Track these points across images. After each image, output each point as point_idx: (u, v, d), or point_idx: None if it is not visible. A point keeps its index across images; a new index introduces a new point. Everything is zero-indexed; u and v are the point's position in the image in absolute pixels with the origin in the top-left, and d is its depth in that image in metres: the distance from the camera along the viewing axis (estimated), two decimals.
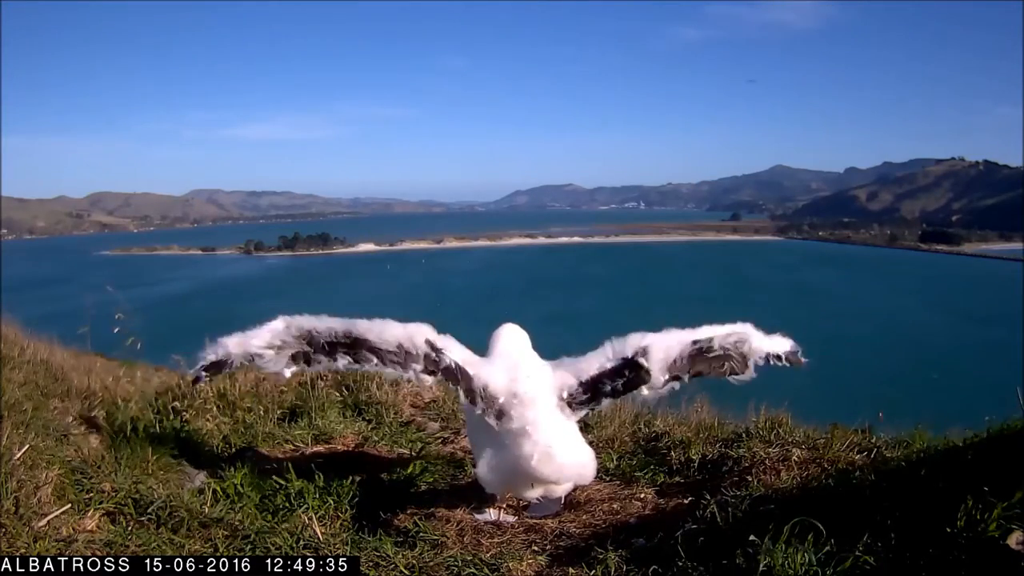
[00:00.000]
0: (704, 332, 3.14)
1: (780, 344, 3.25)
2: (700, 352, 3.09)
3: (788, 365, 3.25)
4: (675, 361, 3.05)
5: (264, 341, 2.94)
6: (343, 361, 2.93)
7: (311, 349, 2.94)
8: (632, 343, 3.08)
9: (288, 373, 2.97)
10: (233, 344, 2.96)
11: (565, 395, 3.07)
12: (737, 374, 3.14)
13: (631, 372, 3.04)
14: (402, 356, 2.94)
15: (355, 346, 2.93)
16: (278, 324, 2.97)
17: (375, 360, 2.93)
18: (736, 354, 3.12)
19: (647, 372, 3.01)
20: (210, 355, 2.98)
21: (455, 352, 3.03)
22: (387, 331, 2.96)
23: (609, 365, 3.07)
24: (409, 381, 3.13)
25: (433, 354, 2.97)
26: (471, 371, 3.02)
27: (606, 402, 3.12)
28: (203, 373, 3.01)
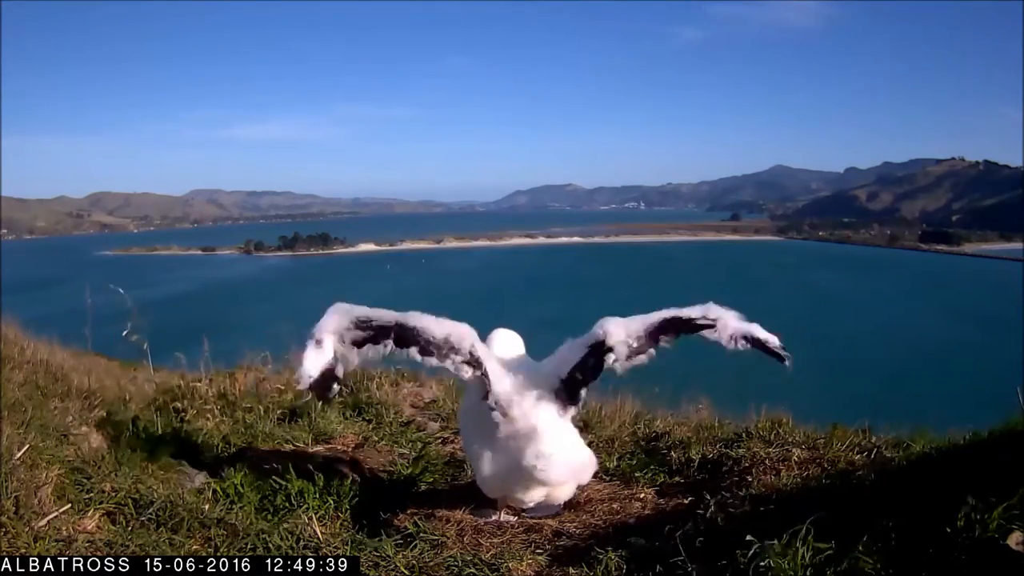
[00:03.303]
0: (668, 312, 3.14)
1: (759, 330, 3.12)
2: (668, 323, 3.10)
3: (771, 357, 3.10)
4: (639, 332, 3.05)
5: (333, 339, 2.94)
6: (389, 347, 2.95)
7: (368, 334, 2.95)
8: (594, 329, 3.10)
9: (356, 360, 2.96)
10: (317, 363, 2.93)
11: (555, 394, 3.08)
12: (711, 331, 3.07)
13: (597, 354, 3.05)
14: (447, 348, 2.96)
15: (402, 331, 2.95)
16: (336, 317, 2.98)
17: (419, 347, 2.95)
18: (708, 322, 3.08)
19: (609, 347, 3.02)
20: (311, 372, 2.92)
21: (485, 356, 3.05)
22: (437, 324, 3.01)
23: (580, 355, 3.08)
24: (445, 371, 3.13)
25: (476, 351, 3.00)
26: (492, 378, 3.03)
27: (583, 392, 3.12)
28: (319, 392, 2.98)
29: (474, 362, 2.99)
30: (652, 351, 3.08)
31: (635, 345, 3.04)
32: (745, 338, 3.06)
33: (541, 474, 3.01)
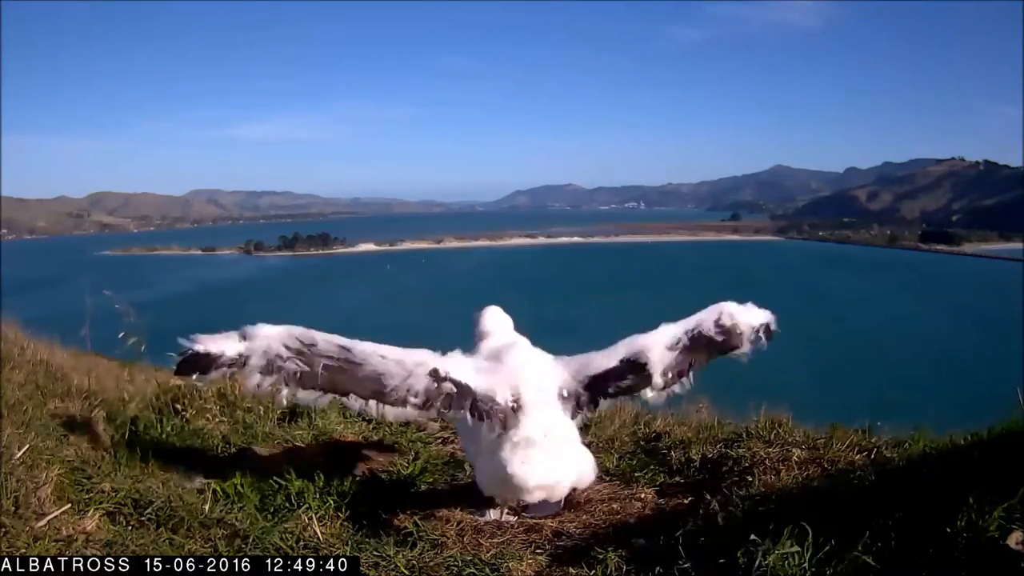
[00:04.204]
0: (690, 320, 3.17)
1: (757, 315, 3.24)
2: (692, 341, 3.11)
3: (764, 340, 3.22)
4: (674, 359, 3.06)
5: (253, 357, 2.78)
6: (326, 397, 2.84)
7: (307, 368, 2.79)
8: (633, 344, 3.08)
9: (283, 394, 2.81)
10: (226, 346, 2.79)
11: (566, 394, 3.06)
12: (734, 349, 3.18)
13: (634, 374, 3.04)
14: (402, 393, 2.85)
15: (351, 375, 2.82)
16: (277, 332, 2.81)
17: (369, 399, 2.85)
18: (725, 331, 3.15)
19: (648, 374, 3.02)
20: (196, 347, 2.78)
21: (455, 370, 2.94)
22: (390, 365, 2.85)
23: (611, 364, 3.06)
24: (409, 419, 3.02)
25: (434, 386, 2.87)
26: (472, 385, 2.95)
27: (605, 403, 3.13)
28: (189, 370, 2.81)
29: (433, 397, 2.85)
30: (688, 381, 3.11)
31: (672, 375, 3.05)
32: (753, 330, 3.16)
33: (536, 479, 2.97)
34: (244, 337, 2.82)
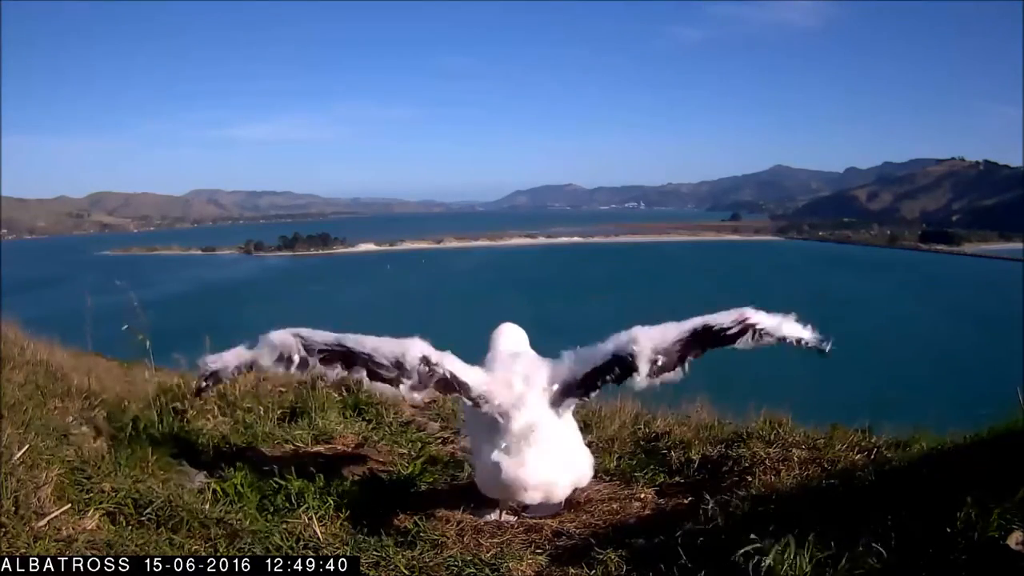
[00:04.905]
0: (699, 320, 3.04)
1: (794, 328, 3.01)
2: (696, 336, 3.00)
3: (810, 349, 3.02)
4: (667, 349, 2.97)
5: (263, 353, 3.10)
6: (336, 372, 3.04)
7: (307, 355, 3.03)
8: (621, 337, 3.05)
9: (292, 372, 3.10)
10: (231, 357, 3.19)
11: (556, 390, 3.07)
12: (743, 339, 2.97)
13: (621, 365, 3.00)
14: (395, 371, 2.98)
15: (349, 358, 3.01)
16: (274, 337, 3.08)
17: (365, 373, 2.99)
18: (740, 330, 2.97)
19: (634, 362, 2.96)
20: (211, 365, 3.21)
21: (449, 363, 3.05)
22: (383, 346, 3.02)
23: (602, 361, 3.05)
24: (402, 397, 3.14)
25: (426, 368, 2.99)
26: (468, 381, 3.05)
27: (594, 394, 3.13)
28: (204, 383, 3.28)
29: (427, 380, 2.98)
30: (681, 370, 3.00)
31: (662, 362, 2.96)
32: (784, 339, 2.97)
33: (532, 479, 3.01)
34: (251, 346, 3.18)
